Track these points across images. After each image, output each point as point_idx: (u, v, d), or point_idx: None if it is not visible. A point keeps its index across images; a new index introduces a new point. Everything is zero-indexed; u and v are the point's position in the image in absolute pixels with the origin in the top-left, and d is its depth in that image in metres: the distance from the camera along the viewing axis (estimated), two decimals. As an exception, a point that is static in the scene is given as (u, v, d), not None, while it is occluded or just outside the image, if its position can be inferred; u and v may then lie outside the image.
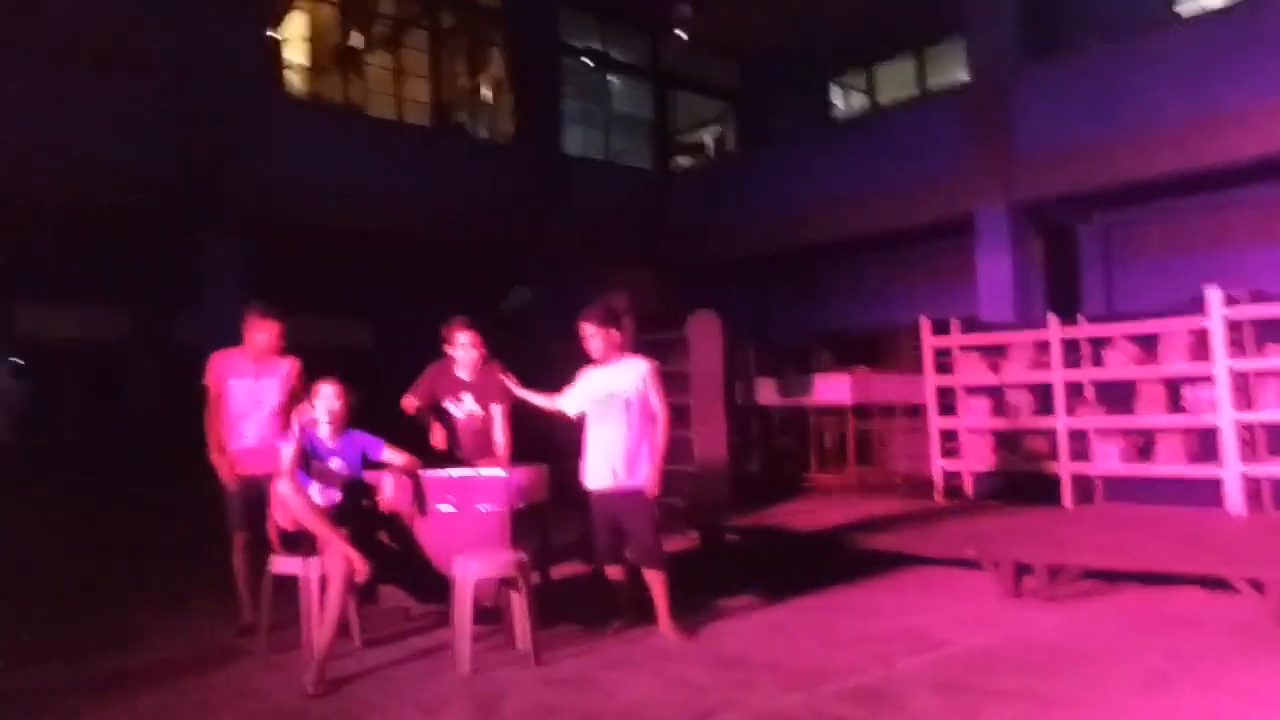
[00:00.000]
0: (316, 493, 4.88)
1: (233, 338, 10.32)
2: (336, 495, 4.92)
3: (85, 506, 9.29)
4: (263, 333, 5.50)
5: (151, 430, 11.53)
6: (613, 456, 5.20)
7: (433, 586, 5.03)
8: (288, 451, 4.80)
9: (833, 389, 11.45)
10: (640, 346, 5.60)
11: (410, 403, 5.62)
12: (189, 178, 10.48)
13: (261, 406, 5.46)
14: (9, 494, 8.83)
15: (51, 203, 9.92)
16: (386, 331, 13.85)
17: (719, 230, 13.95)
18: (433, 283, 12.81)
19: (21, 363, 12.03)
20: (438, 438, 5.53)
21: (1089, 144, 10.24)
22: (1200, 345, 7.81)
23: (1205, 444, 7.77)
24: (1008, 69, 11.14)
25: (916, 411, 10.67)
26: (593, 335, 5.29)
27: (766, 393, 12.08)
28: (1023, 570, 5.94)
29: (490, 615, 5.03)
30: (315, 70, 13.43)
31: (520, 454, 5.48)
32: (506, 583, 4.85)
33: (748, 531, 7.88)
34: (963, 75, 12.30)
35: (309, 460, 4.88)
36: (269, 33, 11.81)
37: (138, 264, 11.73)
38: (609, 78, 15.64)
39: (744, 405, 12.12)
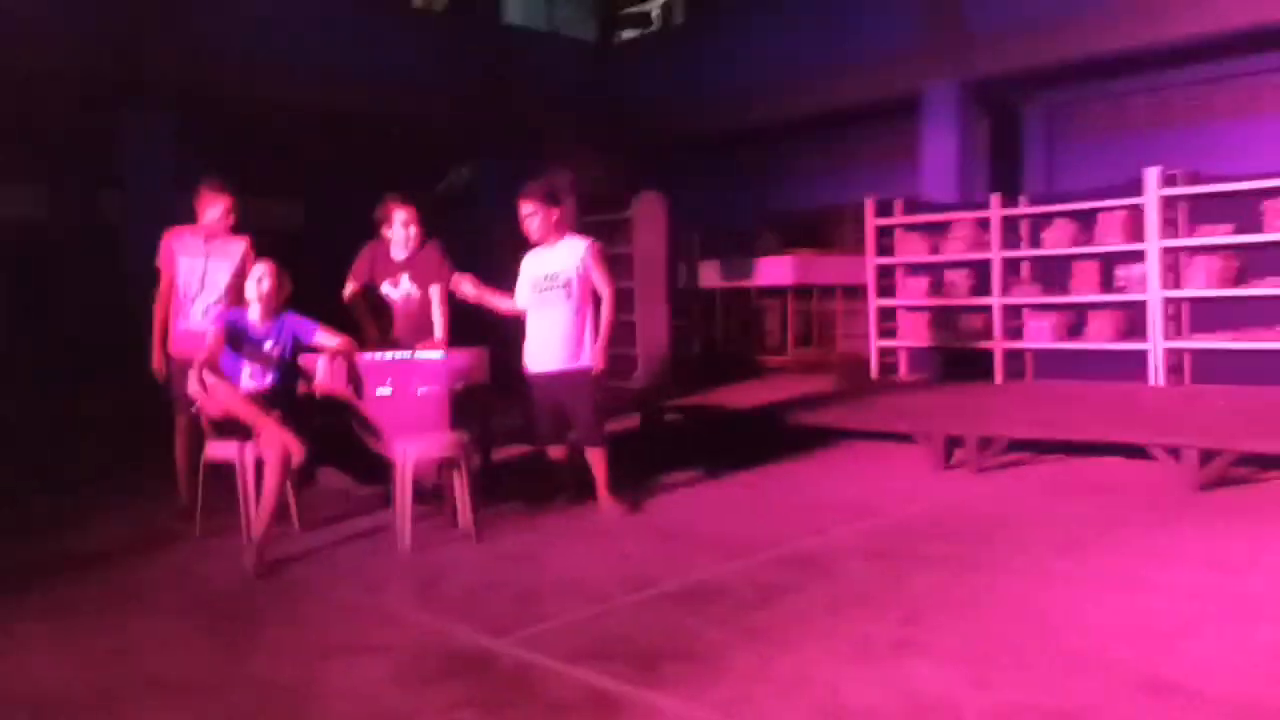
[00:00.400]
0: (249, 376, 4.80)
1: (157, 217, 9.99)
2: (271, 378, 4.84)
3: (19, 393, 9.07)
4: (215, 207, 5.27)
5: (79, 313, 11.22)
6: (554, 339, 5.19)
7: (372, 468, 5.03)
8: (213, 338, 4.69)
9: (775, 271, 11.49)
10: (584, 228, 5.52)
11: (349, 290, 5.47)
12: (111, 46, 9.93)
13: (212, 288, 5.29)
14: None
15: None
16: (319, 213, 13.48)
17: (665, 107, 13.65)
18: (367, 162, 12.40)
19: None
20: (371, 330, 5.42)
21: (1041, 20, 10.12)
22: (1135, 224, 7.93)
23: (1133, 321, 7.98)
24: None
25: (857, 292, 10.78)
26: (530, 214, 5.19)
27: (710, 275, 12.07)
28: (953, 443, 6.12)
29: (431, 496, 5.06)
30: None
31: (459, 336, 5.41)
32: (447, 463, 4.86)
33: (688, 411, 8.01)
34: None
35: (241, 344, 4.78)
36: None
37: (58, 140, 11.19)
38: (549, -57, 15.01)
39: (687, 288, 12.11)
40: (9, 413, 8.54)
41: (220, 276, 5.29)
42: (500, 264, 5.56)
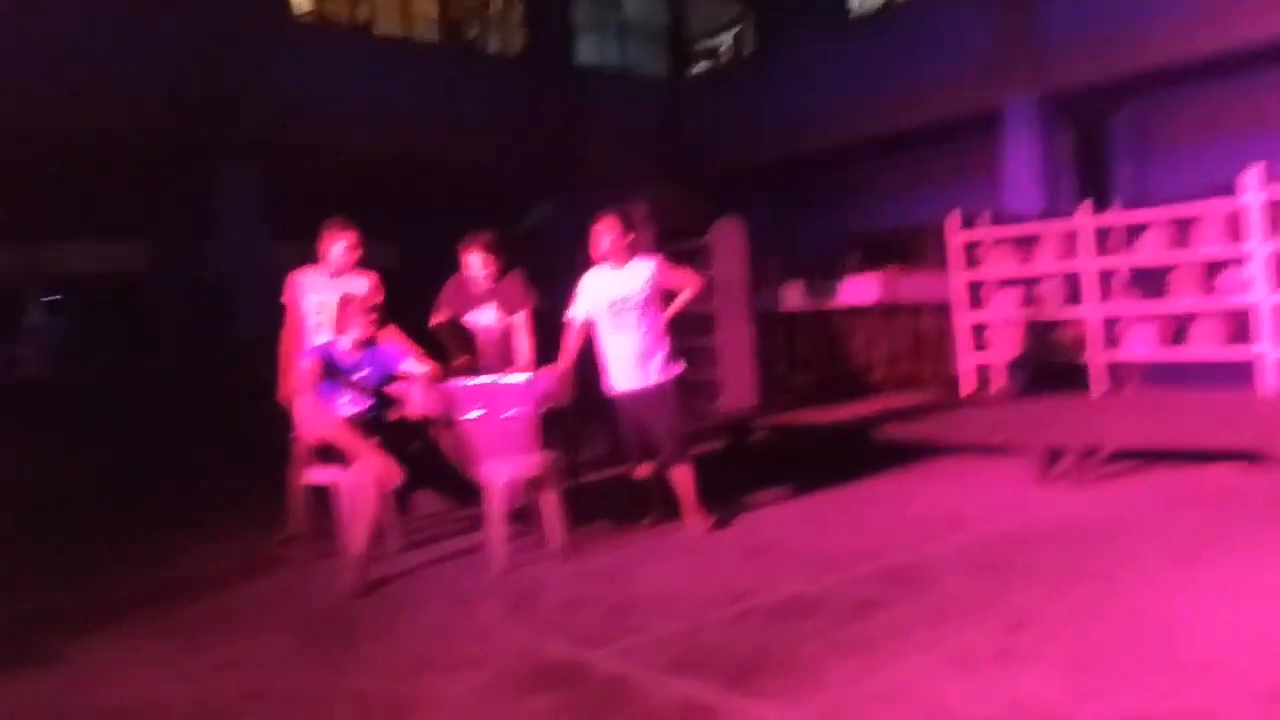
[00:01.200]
0: (346, 404, 4.91)
1: (254, 267, 10.38)
2: (365, 405, 4.95)
3: (128, 434, 9.45)
4: (338, 243, 5.39)
5: (185, 358, 11.71)
6: (631, 358, 5.21)
7: (466, 491, 5.08)
8: (305, 367, 4.82)
9: (860, 290, 11.30)
10: (664, 257, 5.52)
11: (436, 319, 5.59)
12: (203, 106, 10.42)
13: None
14: (52, 425, 9.02)
15: (69, 138, 9.93)
16: (413, 250, 13.83)
17: (739, 137, 13.71)
18: (454, 201, 12.73)
19: (56, 297, 12.18)
20: (461, 358, 5.51)
21: (1120, 27, 9.89)
22: (1234, 228, 7.61)
23: (1240, 327, 7.62)
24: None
25: (945, 310, 10.55)
26: (603, 234, 5.24)
27: (793, 298, 11.95)
28: (1054, 455, 5.90)
29: (522, 517, 5.09)
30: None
31: (544, 361, 5.46)
32: (535, 483, 4.89)
33: (775, 429, 7.92)
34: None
35: (335, 374, 4.90)
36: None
37: (158, 198, 11.76)
38: (621, -16, 15.27)
39: (769, 311, 12.03)
40: (125, 459, 8.90)
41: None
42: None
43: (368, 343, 5.01)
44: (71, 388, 11.16)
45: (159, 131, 10.35)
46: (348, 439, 4.66)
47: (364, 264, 5.52)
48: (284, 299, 5.49)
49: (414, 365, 5.02)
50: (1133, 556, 4.20)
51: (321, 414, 4.71)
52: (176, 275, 12.43)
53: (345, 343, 4.96)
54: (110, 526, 6.57)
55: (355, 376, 4.95)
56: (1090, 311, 8.38)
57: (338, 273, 5.42)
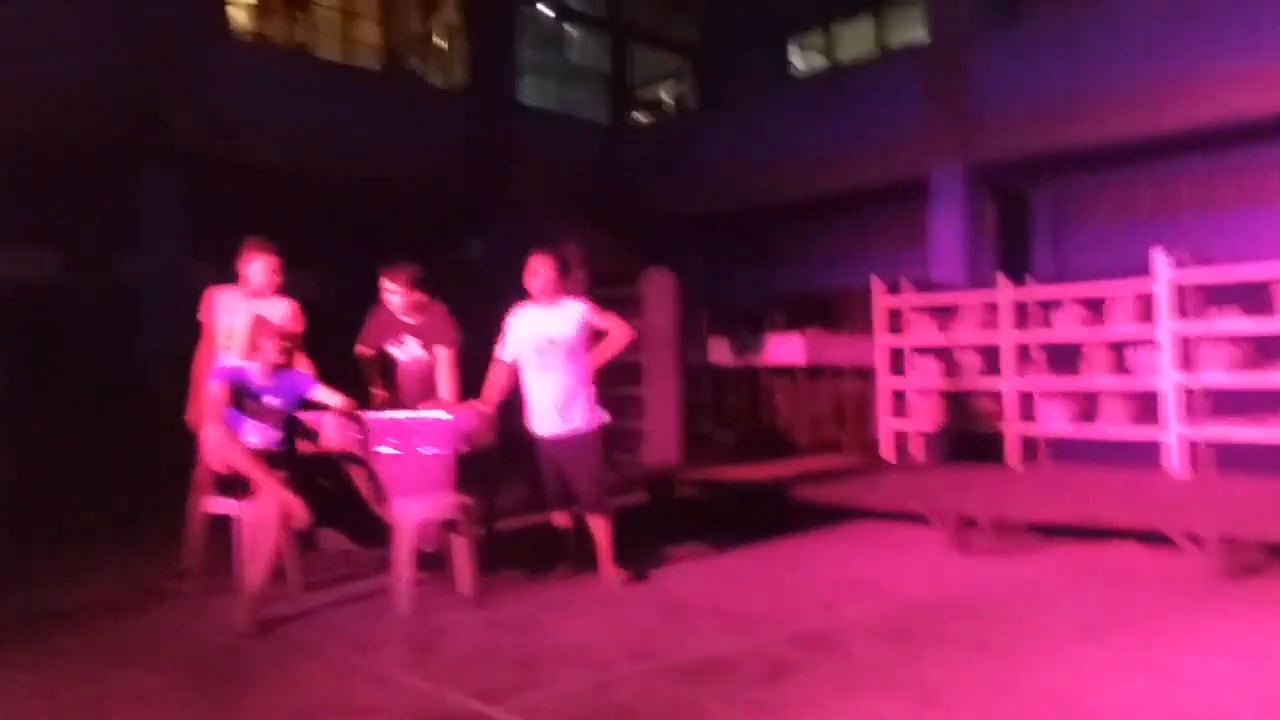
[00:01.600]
0: (253, 431, 4.73)
1: (169, 282, 10.03)
2: (274, 434, 4.78)
3: (25, 452, 8.99)
4: (257, 263, 5.22)
5: (96, 372, 11.23)
6: (555, 402, 5.14)
7: (374, 531, 4.92)
8: (215, 392, 4.63)
9: (786, 349, 11.43)
10: (594, 303, 5.46)
11: (363, 350, 5.47)
12: (130, 111, 10.12)
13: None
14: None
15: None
16: (334, 279, 13.54)
17: (675, 188, 13.82)
18: (383, 231, 12.53)
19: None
20: (379, 392, 5.39)
21: (1045, 107, 10.27)
22: (1145, 309, 7.90)
23: (1147, 407, 7.88)
24: (966, 30, 11.11)
25: (869, 374, 10.71)
26: (539, 271, 5.18)
27: (719, 352, 12.02)
28: (967, 524, 5.98)
29: (433, 561, 4.94)
30: (262, 8, 12.99)
31: (465, 399, 5.35)
32: (449, 526, 4.76)
33: (696, 485, 7.90)
34: (922, 35, 12.25)
35: (243, 399, 4.72)
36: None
37: (74, 203, 11.33)
38: (566, 27, 15.36)
39: (696, 365, 12.06)
40: (13, 472, 8.45)
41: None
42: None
43: (279, 368, 4.84)
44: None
45: (83, 134, 10.01)
46: (253, 469, 4.48)
47: (284, 290, 5.36)
48: (200, 316, 5.30)
49: (326, 395, 4.88)
50: (1044, 631, 4.24)
51: (228, 441, 4.52)
52: (87, 285, 11.93)
53: (256, 367, 4.78)
54: (19, 541, 6.22)
55: (265, 402, 4.78)
56: (1007, 383, 8.58)
57: (256, 294, 5.26)
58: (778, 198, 12.86)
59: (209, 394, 4.69)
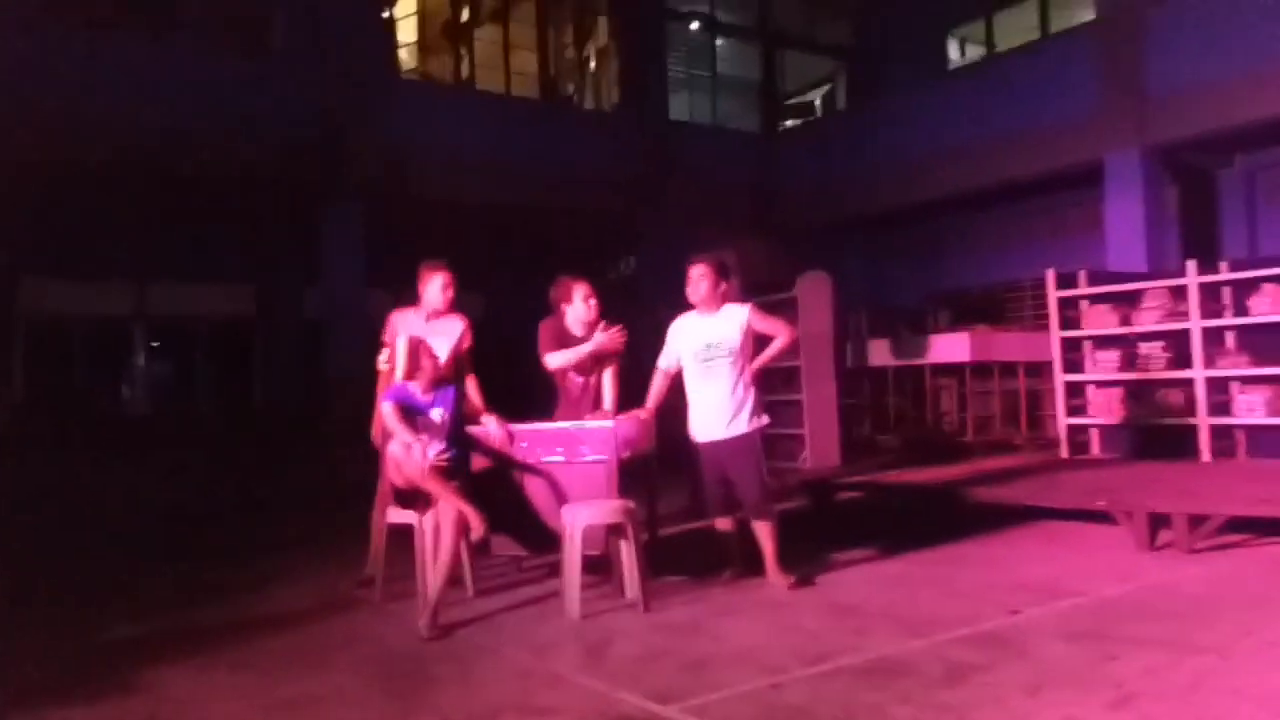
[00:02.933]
0: (430, 446, 4.91)
1: (351, 310, 10.59)
2: (445, 447, 4.95)
3: (226, 470, 9.69)
4: (433, 283, 5.42)
5: (283, 399, 12.02)
6: (719, 407, 5.10)
7: (544, 537, 5.05)
8: (388, 410, 4.84)
9: (950, 348, 11.07)
10: (756, 305, 5.41)
11: (554, 362, 5.47)
12: (312, 153, 10.81)
13: None
14: (156, 459, 9.31)
15: (183, 179, 10.40)
16: (497, 301, 14.04)
17: (831, 190, 13.63)
18: (543, 253, 12.89)
19: (156, 345, 12.65)
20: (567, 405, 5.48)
21: (1231, 79, 9.52)
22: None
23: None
24: (1139, 4, 10.44)
25: (1040, 370, 10.23)
26: (700, 277, 5.16)
27: (880, 354, 11.76)
28: (1158, 522, 5.57)
29: (600, 566, 5.00)
30: (427, 46, 13.66)
31: (627, 407, 5.40)
32: (614, 530, 4.81)
33: (861, 488, 7.71)
34: (1089, 15, 11.61)
35: (411, 416, 4.92)
36: (383, 13, 12.07)
37: (265, 242, 12.18)
38: (716, 40, 15.41)
39: (856, 368, 11.85)
40: (214, 491, 9.12)
41: (440, 352, 5.45)
42: (658, 348, 5.54)
43: (439, 384, 5.02)
44: (174, 424, 11.54)
45: (270, 176, 10.76)
46: (429, 481, 4.65)
47: (457, 308, 5.56)
48: (384, 338, 5.56)
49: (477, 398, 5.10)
50: (1250, 629, 3.90)
51: (405, 456, 4.72)
52: (279, 318, 12.80)
53: (417, 385, 4.98)
54: (200, 557, 6.70)
55: (432, 416, 4.97)
56: (1197, 373, 7.97)
57: (434, 314, 5.46)
58: (938, 192, 12.48)
59: (381, 413, 4.91)
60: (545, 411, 5.53)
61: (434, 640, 4.27)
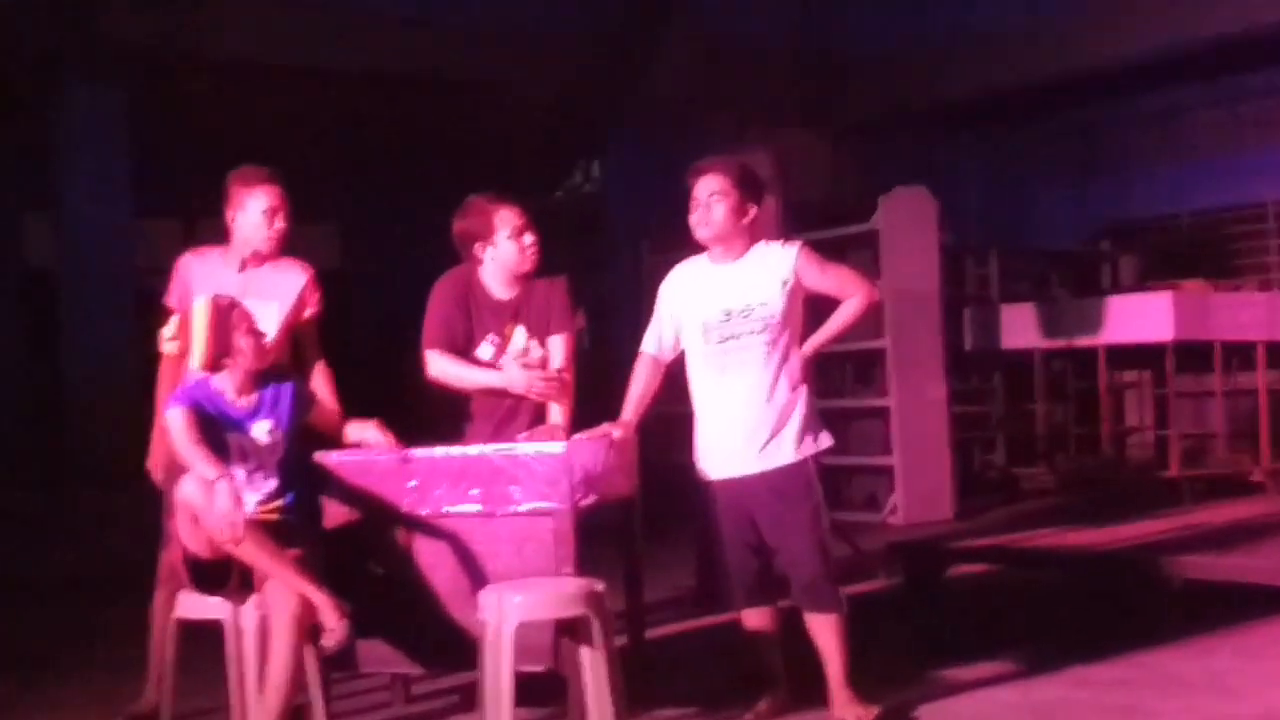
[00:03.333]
0: (244, 484, 4.93)
1: (107, 254, 10.57)
2: (270, 485, 4.97)
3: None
4: (250, 206, 5.41)
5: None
6: (745, 422, 5.14)
7: (448, 642, 5.07)
8: (178, 422, 4.82)
9: (1141, 319, 11.16)
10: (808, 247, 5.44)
11: (436, 361, 5.56)
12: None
13: None
14: None
15: None
16: (363, 242, 14.04)
17: (922, 56, 13.68)
18: (444, 160, 12.89)
19: None
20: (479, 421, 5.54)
21: None
22: None
23: None
24: None
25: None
26: (714, 197, 5.15)
27: (1020, 327, 11.86)
28: None
29: (546, 691, 5.04)
30: None
31: (587, 418, 5.46)
32: (569, 630, 4.83)
33: (990, 557, 7.79)
34: None
35: (217, 433, 4.92)
36: None
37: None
38: None
39: (979, 351, 11.94)
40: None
41: (267, 322, 5.38)
42: (645, 309, 5.57)
43: (264, 377, 5.03)
44: None
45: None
46: (254, 549, 4.66)
47: (293, 249, 5.60)
48: (168, 299, 5.56)
49: (363, 429, 5.08)
50: None
51: (211, 504, 4.71)
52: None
53: (226, 379, 4.98)
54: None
55: (252, 435, 4.97)
56: None
57: (254, 260, 5.48)
58: (1113, 57, 12.55)
59: (167, 429, 4.91)
60: (450, 427, 5.58)
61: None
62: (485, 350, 5.58)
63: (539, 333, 5.58)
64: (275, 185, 5.47)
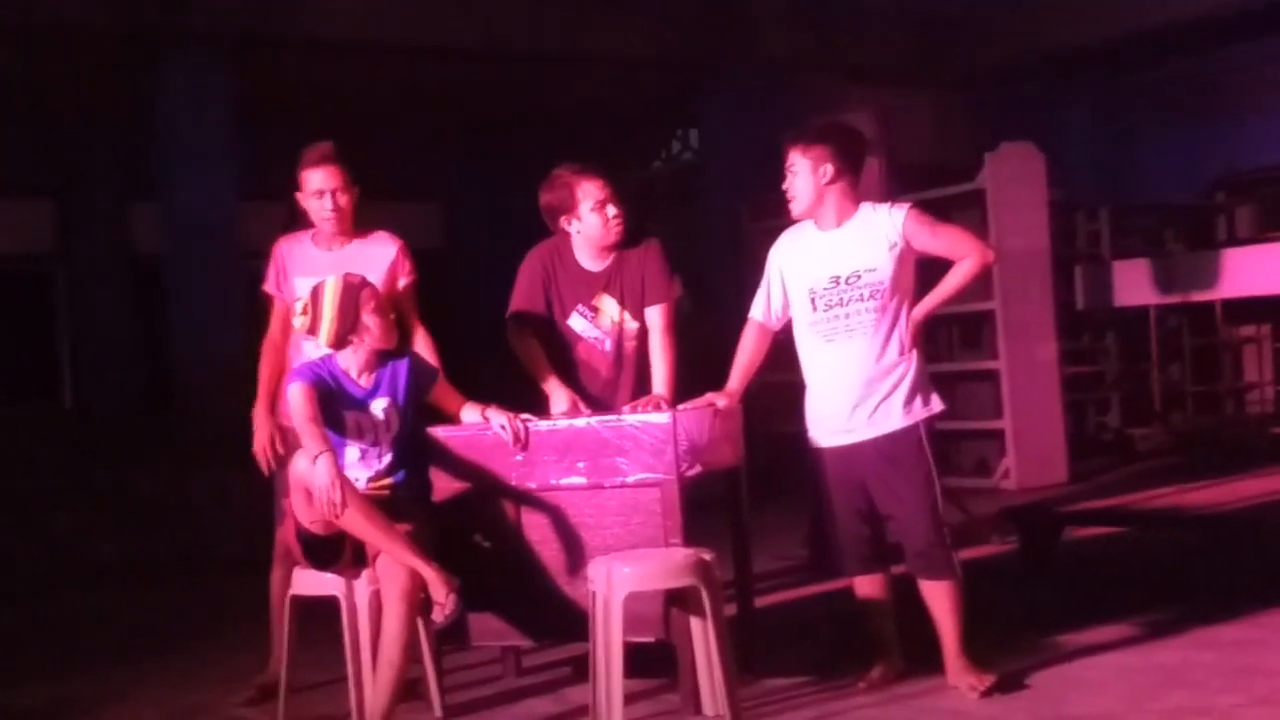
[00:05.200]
0: (358, 460, 4.98)
1: (210, 237, 10.71)
2: (391, 460, 5.01)
3: (18, 522, 9.91)
4: (312, 188, 5.46)
5: (100, 388, 12.25)
6: (854, 389, 5.12)
7: (557, 615, 5.12)
8: (297, 396, 4.88)
9: (1257, 271, 10.98)
10: (917, 208, 5.38)
11: (521, 321, 5.63)
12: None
13: None
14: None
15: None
16: (467, 220, 14.12)
17: (1031, 9, 13.49)
18: (541, 140, 12.90)
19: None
20: (555, 387, 5.54)
21: None
22: None
23: None
24: None
25: None
26: (806, 166, 5.13)
27: (1134, 284, 11.70)
28: None
29: (656, 661, 5.07)
30: None
31: (691, 387, 5.45)
32: (679, 600, 4.84)
33: (1108, 520, 7.73)
34: None
35: (337, 410, 4.97)
36: None
37: (72, 137, 12.39)
38: None
39: (1091, 309, 11.80)
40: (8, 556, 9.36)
41: None
42: (745, 278, 5.54)
43: (385, 356, 5.07)
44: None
45: (71, 27, 10.83)
46: (366, 525, 4.70)
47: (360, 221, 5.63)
48: (266, 286, 5.63)
49: (457, 401, 5.16)
50: None
51: (322, 482, 4.75)
52: (90, 253, 12.99)
53: (350, 357, 5.03)
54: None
55: (372, 411, 5.02)
56: None
57: (342, 237, 5.54)
58: (1218, 3, 12.30)
59: (289, 402, 4.96)
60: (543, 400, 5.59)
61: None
62: (577, 321, 5.61)
63: (633, 303, 5.58)
64: (330, 164, 5.49)
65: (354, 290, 4.99)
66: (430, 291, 5.15)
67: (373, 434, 5.04)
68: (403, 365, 5.13)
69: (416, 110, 13.26)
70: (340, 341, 4.99)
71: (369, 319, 4.97)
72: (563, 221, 5.57)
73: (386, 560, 4.69)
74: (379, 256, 5.54)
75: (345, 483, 4.64)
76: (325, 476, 4.56)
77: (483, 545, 5.21)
